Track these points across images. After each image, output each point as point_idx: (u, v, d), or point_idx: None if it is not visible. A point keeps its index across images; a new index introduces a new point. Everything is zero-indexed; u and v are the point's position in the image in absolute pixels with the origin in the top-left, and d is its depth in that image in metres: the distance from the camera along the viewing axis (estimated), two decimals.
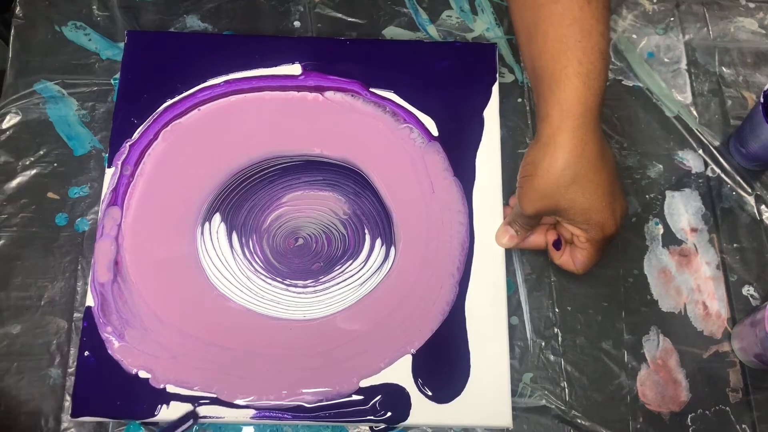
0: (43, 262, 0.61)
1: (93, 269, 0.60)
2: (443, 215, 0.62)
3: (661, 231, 0.65)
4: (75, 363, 0.58)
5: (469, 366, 0.58)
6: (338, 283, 0.60)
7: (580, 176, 0.53)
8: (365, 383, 0.57)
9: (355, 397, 0.57)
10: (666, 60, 0.72)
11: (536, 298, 0.62)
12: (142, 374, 0.57)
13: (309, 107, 0.66)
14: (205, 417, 0.56)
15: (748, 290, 0.64)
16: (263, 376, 0.57)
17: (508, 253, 0.63)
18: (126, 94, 0.65)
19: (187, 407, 0.56)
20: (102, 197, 0.62)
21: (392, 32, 0.72)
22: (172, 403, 0.56)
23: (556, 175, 0.53)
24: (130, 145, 0.63)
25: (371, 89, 0.66)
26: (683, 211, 0.66)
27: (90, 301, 0.58)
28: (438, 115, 0.66)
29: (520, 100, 0.69)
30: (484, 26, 0.72)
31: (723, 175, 0.67)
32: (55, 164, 0.65)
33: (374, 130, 0.65)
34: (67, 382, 0.58)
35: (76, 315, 0.60)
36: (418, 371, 0.58)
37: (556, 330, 0.61)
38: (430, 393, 0.57)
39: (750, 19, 0.74)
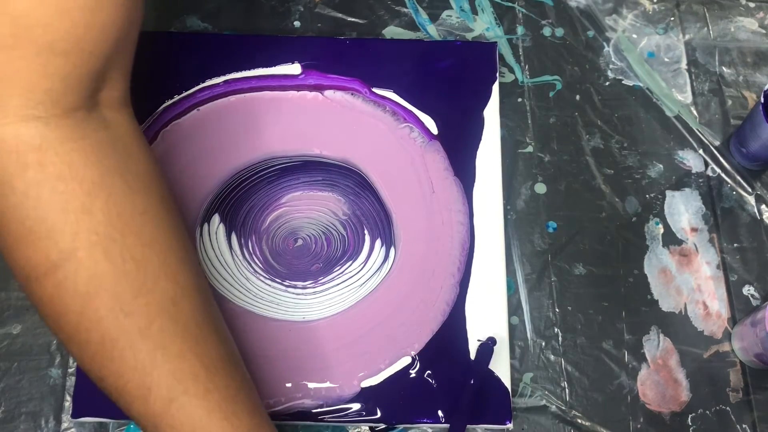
0: None
1: None
2: (443, 215, 0.62)
3: (662, 231, 0.65)
4: (75, 363, 0.58)
5: (469, 366, 0.58)
6: (338, 284, 0.60)
7: None
8: (366, 384, 0.57)
9: (355, 401, 0.57)
10: (666, 60, 0.72)
11: (536, 298, 0.62)
12: None
13: (308, 106, 0.65)
14: None
15: (748, 290, 0.64)
16: (262, 378, 0.57)
17: (508, 253, 0.63)
18: None
19: None
20: None
21: (392, 32, 0.72)
22: None
23: None
24: None
25: (371, 89, 0.66)
26: (683, 210, 0.66)
27: None
28: (438, 115, 0.66)
29: (520, 100, 0.69)
30: (484, 26, 0.72)
31: (723, 175, 0.67)
32: None
33: (374, 130, 0.65)
34: (68, 382, 0.58)
35: None
36: (418, 372, 0.58)
37: (556, 330, 0.61)
38: (430, 393, 0.57)
39: (750, 19, 0.74)
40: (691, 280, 0.63)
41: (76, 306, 0.40)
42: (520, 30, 0.72)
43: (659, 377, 0.60)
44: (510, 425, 0.57)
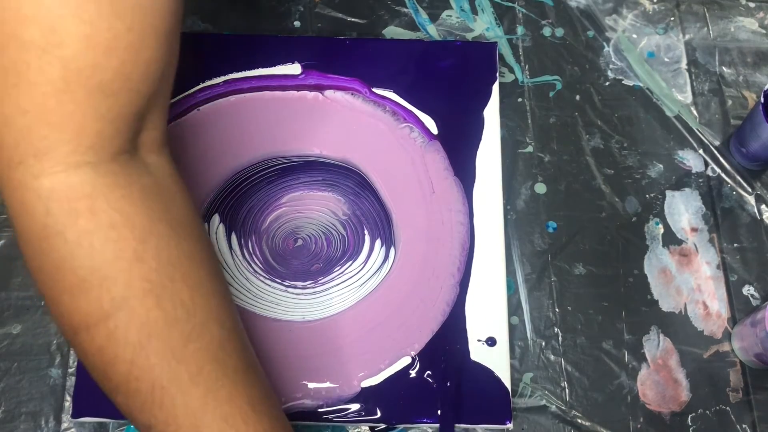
0: None
1: None
2: (443, 215, 0.62)
3: (662, 231, 0.65)
4: (75, 363, 0.58)
5: (469, 366, 0.58)
6: (338, 284, 0.60)
7: None
8: (366, 384, 0.57)
9: (355, 401, 0.57)
10: (666, 60, 0.72)
11: (536, 298, 0.62)
12: None
13: (308, 106, 0.66)
14: None
15: (748, 290, 0.64)
16: None
17: (508, 253, 0.63)
18: None
19: None
20: None
21: (392, 32, 0.72)
22: None
23: None
24: None
25: (371, 89, 0.66)
26: (683, 210, 0.66)
27: None
28: (438, 115, 0.66)
29: (520, 100, 0.69)
30: (484, 26, 0.72)
31: (723, 175, 0.67)
32: None
33: (374, 130, 0.65)
34: (68, 382, 0.58)
35: None
36: (418, 372, 0.58)
37: (556, 330, 0.61)
38: (430, 393, 0.57)
39: (750, 19, 0.74)
40: (691, 280, 0.63)
41: (128, 355, 0.40)
42: (520, 30, 0.72)
43: (659, 377, 0.60)
44: (510, 425, 0.57)
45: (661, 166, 0.68)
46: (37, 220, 0.39)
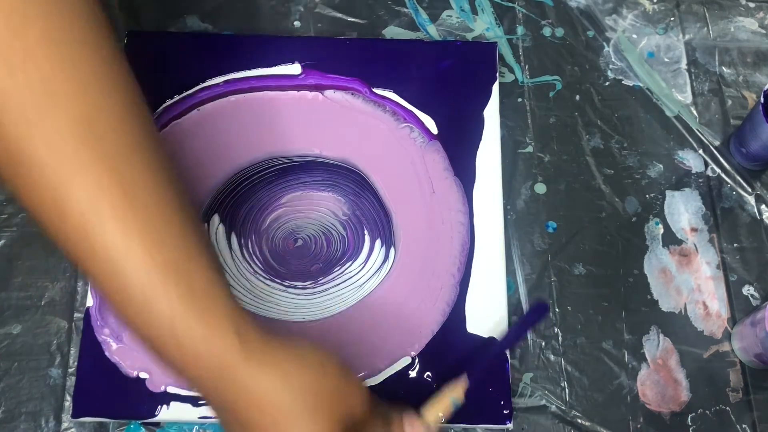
0: (44, 262, 0.61)
1: None
2: (443, 215, 0.62)
3: (661, 231, 0.65)
4: (75, 363, 0.58)
5: (469, 366, 0.58)
6: (338, 285, 0.60)
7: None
8: (365, 384, 0.57)
9: None
10: (666, 60, 0.72)
11: (536, 298, 0.62)
12: (143, 375, 0.57)
13: (308, 106, 0.66)
14: (205, 417, 0.56)
15: (748, 290, 0.64)
16: None
17: (508, 253, 0.63)
18: None
19: (189, 409, 0.56)
20: None
21: (392, 32, 0.72)
22: (173, 403, 0.56)
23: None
24: None
25: (371, 88, 0.66)
26: (683, 210, 0.66)
27: (90, 302, 0.58)
28: (438, 115, 0.66)
29: (520, 100, 0.69)
30: (484, 26, 0.72)
31: (723, 175, 0.67)
32: None
33: (374, 130, 0.65)
34: (68, 382, 0.58)
35: (77, 315, 0.60)
36: (418, 372, 0.58)
37: (556, 330, 0.62)
38: (430, 393, 0.57)
39: (750, 19, 0.74)
40: (691, 280, 0.64)
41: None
42: (520, 30, 0.72)
43: (659, 377, 0.60)
44: (510, 425, 0.57)
45: (661, 166, 0.68)
46: None
